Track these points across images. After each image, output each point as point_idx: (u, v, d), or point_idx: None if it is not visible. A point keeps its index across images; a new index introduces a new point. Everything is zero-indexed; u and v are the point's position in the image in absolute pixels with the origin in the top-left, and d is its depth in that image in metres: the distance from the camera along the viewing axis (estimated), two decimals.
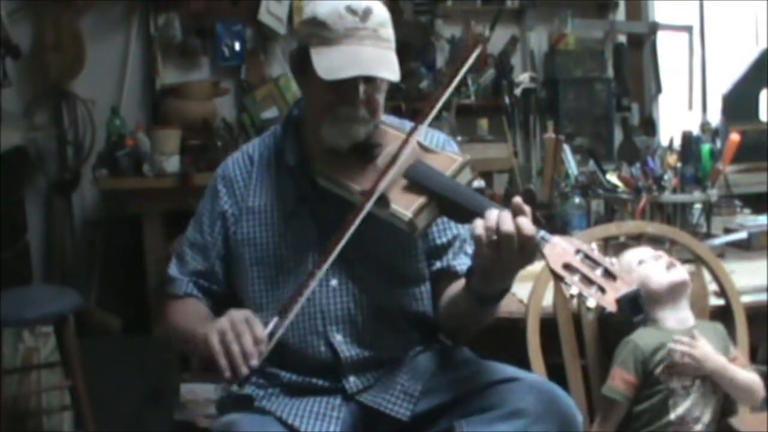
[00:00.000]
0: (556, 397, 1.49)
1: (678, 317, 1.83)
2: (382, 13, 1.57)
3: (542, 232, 1.38)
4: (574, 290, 1.33)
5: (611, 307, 1.29)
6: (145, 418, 3.07)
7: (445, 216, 1.55)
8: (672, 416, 1.76)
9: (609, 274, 1.31)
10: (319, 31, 1.54)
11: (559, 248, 1.35)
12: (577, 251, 1.33)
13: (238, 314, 1.47)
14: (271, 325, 1.47)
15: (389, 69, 1.54)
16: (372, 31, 1.54)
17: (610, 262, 1.33)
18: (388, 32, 1.57)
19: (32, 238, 3.86)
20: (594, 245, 1.37)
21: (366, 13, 1.53)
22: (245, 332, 1.42)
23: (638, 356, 1.78)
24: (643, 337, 1.78)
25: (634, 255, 1.89)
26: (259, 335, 1.43)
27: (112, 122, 3.74)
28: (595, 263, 1.32)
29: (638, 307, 1.30)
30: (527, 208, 1.39)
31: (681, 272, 1.84)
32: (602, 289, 1.30)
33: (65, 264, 3.91)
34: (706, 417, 1.78)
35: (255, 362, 1.41)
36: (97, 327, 3.62)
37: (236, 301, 1.67)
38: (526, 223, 1.36)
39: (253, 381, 1.63)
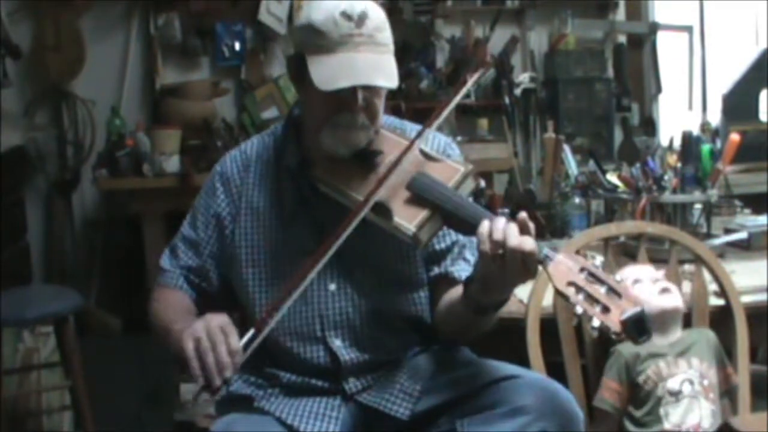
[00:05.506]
0: (557, 394, 1.48)
1: (666, 338, 1.83)
2: (378, 17, 1.54)
3: (546, 250, 1.36)
4: (579, 309, 1.30)
5: (615, 327, 1.27)
6: (145, 418, 3.07)
7: (449, 228, 1.54)
8: (666, 425, 1.75)
9: (614, 292, 1.29)
10: (314, 39, 1.52)
11: (563, 266, 1.33)
12: (582, 269, 1.32)
13: (214, 321, 1.43)
14: (246, 337, 1.43)
15: (386, 75, 1.52)
16: (368, 36, 1.51)
17: (615, 279, 1.31)
18: (385, 36, 1.55)
19: (32, 238, 3.86)
20: (598, 262, 1.35)
21: (361, 18, 1.50)
22: (221, 342, 1.39)
23: (622, 363, 1.78)
24: (627, 346, 1.77)
25: (632, 272, 1.87)
26: (234, 346, 1.39)
27: (112, 122, 3.74)
28: (600, 281, 1.30)
29: (643, 327, 1.27)
30: (531, 225, 1.38)
31: (674, 299, 1.83)
32: (606, 309, 1.28)
33: (65, 264, 3.91)
34: (707, 422, 1.76)
35: (229, 374, 1.38)
36: (97, 327, 3.62)
37: (226, 301, 1.66)
38: (528, 240, 1.36)
39: (252, 381, 1.64)
